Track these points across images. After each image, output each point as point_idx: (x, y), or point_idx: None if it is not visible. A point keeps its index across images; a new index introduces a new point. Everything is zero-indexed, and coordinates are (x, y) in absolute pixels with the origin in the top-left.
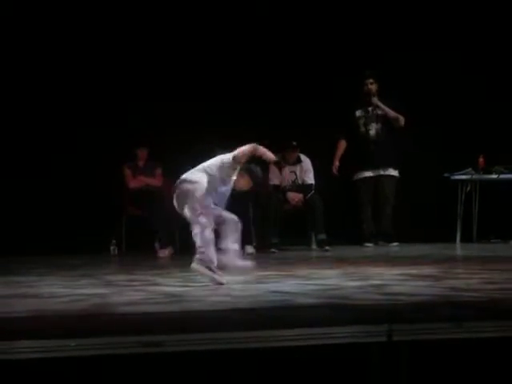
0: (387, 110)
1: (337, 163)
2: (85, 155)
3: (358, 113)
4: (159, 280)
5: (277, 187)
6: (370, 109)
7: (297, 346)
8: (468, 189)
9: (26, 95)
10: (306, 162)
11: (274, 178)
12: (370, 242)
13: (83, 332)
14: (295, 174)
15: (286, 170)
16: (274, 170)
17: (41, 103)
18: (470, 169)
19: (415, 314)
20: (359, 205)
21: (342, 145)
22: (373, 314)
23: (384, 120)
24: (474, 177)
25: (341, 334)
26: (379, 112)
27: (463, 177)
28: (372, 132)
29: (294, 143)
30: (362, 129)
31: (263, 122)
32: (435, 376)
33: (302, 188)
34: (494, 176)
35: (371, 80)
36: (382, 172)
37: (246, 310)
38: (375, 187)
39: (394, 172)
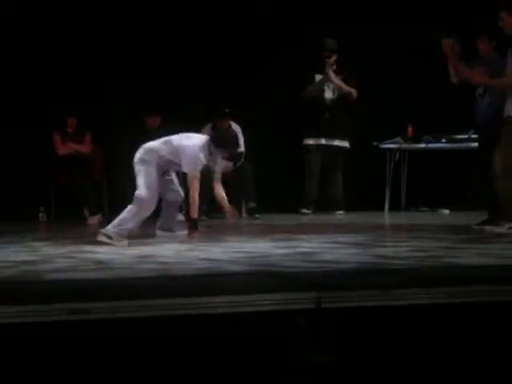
0: (340, 84)
1: None
2: (14, 122)
3: (318, 77)
4: (88, 247)
5: None
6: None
7: (223, 314)
8: (397, 158)
9: None
10: (237, 129)
11: None
12: (308, 208)
13: (10, 299)
14: None
15: None
16: None
17: None
18: (398, 138)
19: (343, 282)
20: (307, 170)
21: None
22: (301, 282)
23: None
24: (402, 146)
25: (268, 301)
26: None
27: (392, 146)
28: (328, 100)
29: (227, 110)
30: (319, 94)
31: (197, 91)
32: (363, 343)
33: None
34: (423, 145)
35: (328, 52)
36: (335, 142)
37: (173, 277)
38: (325, 155)
39: (345, 143)
